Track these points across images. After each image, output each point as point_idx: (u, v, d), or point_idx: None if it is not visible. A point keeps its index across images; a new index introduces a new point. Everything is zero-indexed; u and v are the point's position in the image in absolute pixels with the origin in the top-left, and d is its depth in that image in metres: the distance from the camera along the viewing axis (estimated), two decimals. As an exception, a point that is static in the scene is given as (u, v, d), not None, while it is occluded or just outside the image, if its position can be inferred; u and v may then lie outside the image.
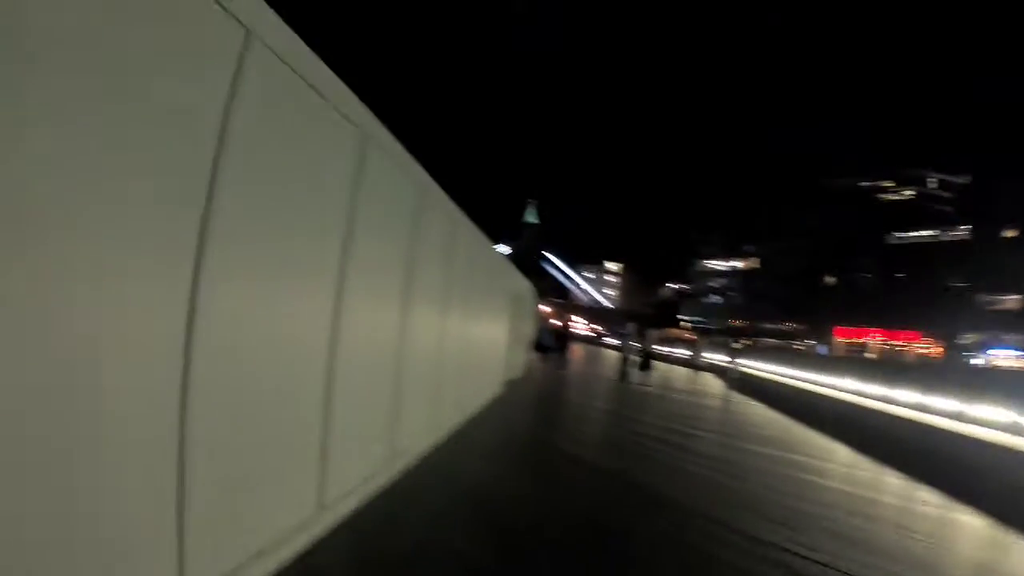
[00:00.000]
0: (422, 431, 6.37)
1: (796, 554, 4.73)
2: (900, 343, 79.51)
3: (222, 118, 2.45)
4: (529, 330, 20.92)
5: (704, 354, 22.22)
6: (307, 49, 3.04)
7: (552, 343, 20.29)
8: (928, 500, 7.74)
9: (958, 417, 11.68)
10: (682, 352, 41.23)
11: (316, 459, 3.75)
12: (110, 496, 2.06)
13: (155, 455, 2.27)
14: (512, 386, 14.64)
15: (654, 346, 19.23)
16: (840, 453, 11.27)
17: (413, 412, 5.87)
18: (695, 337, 66.81)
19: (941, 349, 77.06)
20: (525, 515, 5.08)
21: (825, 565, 4.56)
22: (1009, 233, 79.60)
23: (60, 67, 1.72)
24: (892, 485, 8.64)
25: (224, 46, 2.46)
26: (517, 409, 12.15)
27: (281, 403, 3.25)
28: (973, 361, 64.40)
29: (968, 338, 74.80)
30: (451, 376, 7.67)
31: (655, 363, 19.66)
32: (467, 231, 8.06)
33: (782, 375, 22.52)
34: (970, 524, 6.85)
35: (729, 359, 27.74)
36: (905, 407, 13.67)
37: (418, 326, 5.82)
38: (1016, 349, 67.83)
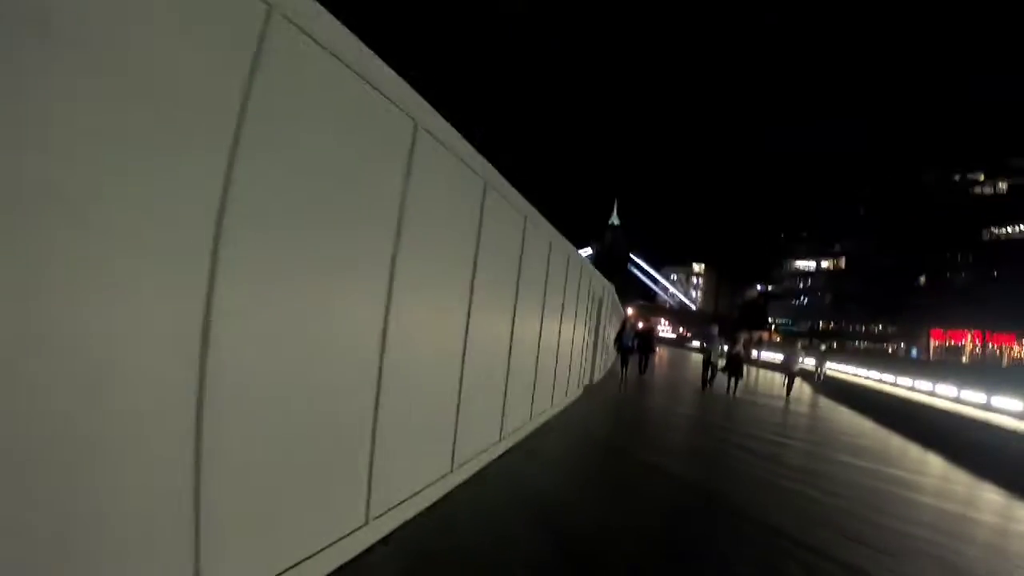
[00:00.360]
0: (489, 438, 6.18)
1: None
2: (996, 346, 73.93)
3: (240, 103, 2.26)
4: (611, 334, 20.52)
5: (791, 355, 21.10)
6: (338, 25, 2.81)
7: (636, 346, 19.77)
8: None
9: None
10: (769, 355, 39.74)
11: (364, 471, 3.58)
12: (120, 507, 1.94)
13: (166, 465, 2.13)
14: (592, 390, 14.36)
15: (741, 349, 18.45)
16: (935, 465, 10.50)
17: (478, 419, 5.65)
18: (781, 339, 64.36)
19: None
20: (593, 533, 4.78)
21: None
22: None
23: (63, 54, 1.60)
24: (994, 503, 7.89)
25: (242, 22, 2.27)
26: (596, 414, 11.87)
27: (324, 411, 3.08)
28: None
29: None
30: (523, 381, 7.45)
31: (743, 367, 18.90)
32: (542, 231, 7.83)
33: (872, 379, 21.33)
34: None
35: (817, 363, 26.47)
36: (1003, 414, 12.62)
37: (484, 329, 5.57)
38: None
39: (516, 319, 6.79)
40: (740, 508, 5.89)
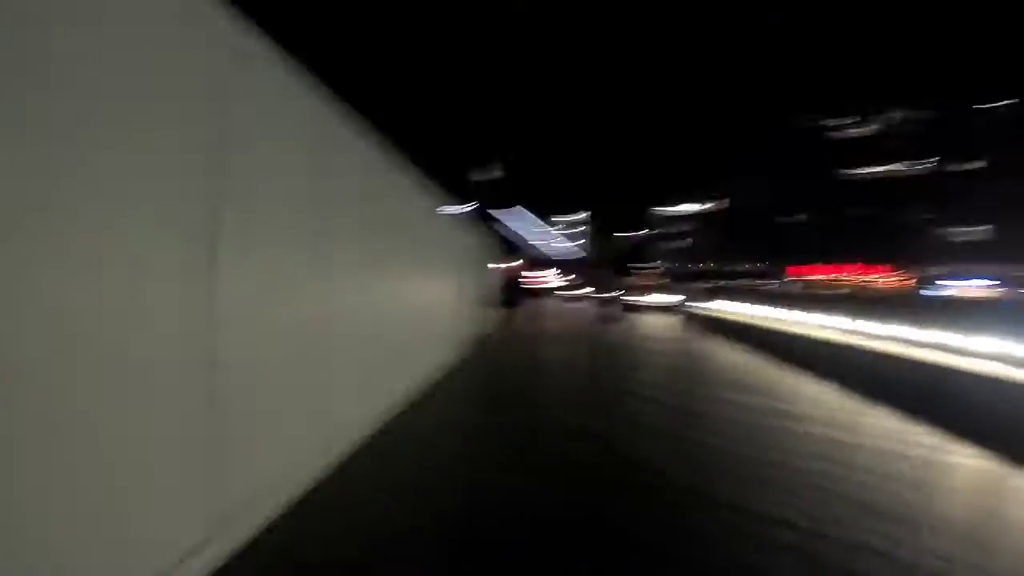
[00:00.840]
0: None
1: (822, 535, 4.06)
2: (870, 277, 79.67)
3: None
4: (489, 288, 20.17)
5: (678, 297, 21.54)
6: None
7: (519, 298, 19.57)
8: (935, 444, 7.01)
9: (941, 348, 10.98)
10: (652, 297, 40.89)
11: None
12: None
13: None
14: (473, 344, 13.95)
15: (625, 292, 18.68)
16: (828, 396, 10.63)
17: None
18: (665, 282, 66.77)
19: (912, 281, 77.11)
20: (473, 500, 4.39)
21: (876, 551, 3.84)
22: (976, 165, 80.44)
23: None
24: (890, 429, 7.85)
25: None
26: (476, 372, 11.42)
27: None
28: (943, 292, 64.24)
29: (936, 271, 75.16)
30: (394, 339, 6.80)
31: (627, 311, 19.10)
32: (401, 186, 7.13)
33: (751, 315, 22.07)
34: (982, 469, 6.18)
35: (698, 302, 27.30)
36: (880, 340, 13.14)
37: (336, 292, 4.91)
38: (985, 279, 68.02)
39: (371, 285, 6.06)
40: (636, 461, 5.60)
